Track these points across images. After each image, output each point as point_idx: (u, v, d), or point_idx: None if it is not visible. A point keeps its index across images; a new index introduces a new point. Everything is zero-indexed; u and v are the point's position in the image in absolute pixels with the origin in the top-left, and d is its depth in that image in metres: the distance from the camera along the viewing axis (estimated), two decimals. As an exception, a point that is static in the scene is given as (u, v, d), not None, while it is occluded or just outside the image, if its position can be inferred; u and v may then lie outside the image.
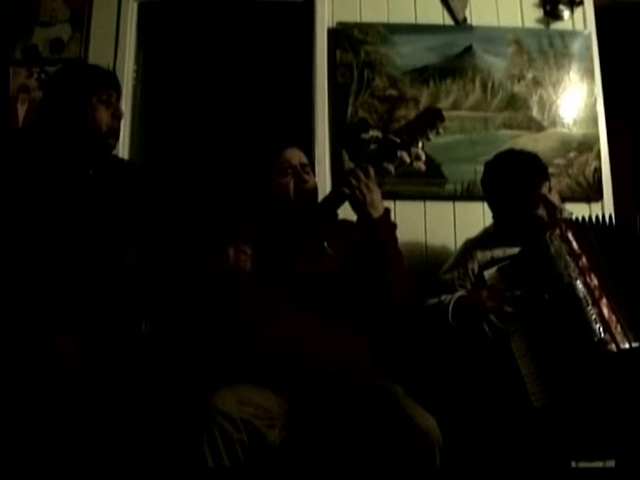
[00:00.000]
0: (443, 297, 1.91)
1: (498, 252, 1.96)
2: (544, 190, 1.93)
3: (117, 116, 1.88)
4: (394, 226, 1.77)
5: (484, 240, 2.08)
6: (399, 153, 1.65)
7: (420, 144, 1.67)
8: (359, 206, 1.67)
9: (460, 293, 1.91)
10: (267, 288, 1.67)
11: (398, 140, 1.66)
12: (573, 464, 1.94)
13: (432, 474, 1.46)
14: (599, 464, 2.05)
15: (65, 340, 1.66)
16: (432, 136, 1.68)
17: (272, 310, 1.66)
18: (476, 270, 1.97)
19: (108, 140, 1.87)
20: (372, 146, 1.69)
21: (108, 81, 1.90)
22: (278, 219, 1.81)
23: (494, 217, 2.13)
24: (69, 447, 1.65)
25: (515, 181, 1.95)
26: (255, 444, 1.49)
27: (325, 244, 1.80)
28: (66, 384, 1.65)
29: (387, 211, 1.71)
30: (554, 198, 1.96)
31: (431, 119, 1.70)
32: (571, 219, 1.98)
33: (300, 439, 1.59)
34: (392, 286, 1.72)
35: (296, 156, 1.93)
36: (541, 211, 1.93)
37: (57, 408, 1.64)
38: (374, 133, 1.73)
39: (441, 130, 1.69)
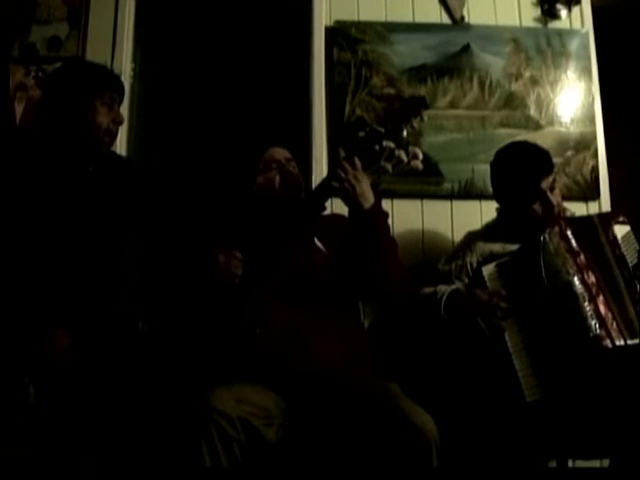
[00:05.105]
0: (439, 287, 1.92)
1: (498, 247, 1.97)
2: (544, 185, 1.94)
3: (117, 122, 1.87)
4: (386, 215, 1.77)
5: (485, 234, 2.09)
6: (385, 143, 1.65)
7: (405, 132, 1.67)
8: (349, 198, 1.67)
9: (455, 286, 1.92)
10: (260, 286, 1.67)
11: (382, 130, 1.66)
12: (570, 463, 1.96)
13: (429, 472, 1.46)
14: (596, 463, 2.07)
15: (62, 340, 1.66)
16: (416, 124, 1.68)
17: (267, 308, 1.66)
18: (474, 264, 1.98)
19: (103, 142, 1.86)
20: (360, 134, 1.69)
21: (112, 84, 1.88)
22: (267, 216, 1.82)
23: (499, 209, 2.14)
24: (66, 447, 1.65)
25: (516, 172, 1.97)
26: (252, 442, 1.49)
27: (315, 239, 1.81)
28: (63, 384, 1.65)
29: (378, 200, 1.71)
30: (554, 197, 1.96)
31: (414, 107, 1.70)
32: (571, 217, 1.99)
33: (297, 437, 1.59)
34: (388, 275, 1.72)
35: (280, 152, 1.96)
36: (537, 206, 1.94)
37: (53, 408, 1.64)
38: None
39: (425, 117, 1.70)
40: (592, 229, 1.85)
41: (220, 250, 1.70)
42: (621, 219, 1.87)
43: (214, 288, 1.67)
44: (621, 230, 1.84)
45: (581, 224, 1.89)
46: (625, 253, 1.79)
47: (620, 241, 1.82)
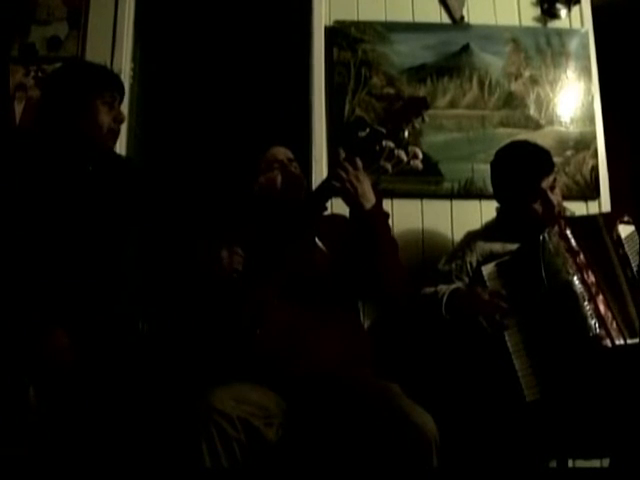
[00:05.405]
0: (439, 287, 1.92)
1: (497, 247, 1.97)
2: (544, 185, 1.93)
3: (119, 120, 1.88)
4: (387, 215, 1.78)
5: (485, 234, 2.09)
6: (385, 143, 1.65)
7: (406, 133, 1.66)
8: (350, 199, 1.67)
9: (456, 285, 1.92)
10: (261, 286, 1.67)
11: (384, 130, 1.66)
12: (570, 463, 1.96)
13: (429, 472, 1.46)
14: (596, 463, 2.07)
15: (62, 340, 1.66)
16: (417, 124, 1.68)
17: (267, 308, 1.66)
18: (474, 263, 1.98)
19: (107, 141, 1.87)
20: (360, 134, 1.69)
21: (112, 83, 1.89)
22: (268, 216, 1.82)
23: (499, 209, 2.14)
24: (66, 447, 1.65)
25: (516, 171, 1.96)
26: (253, 442, 1.49)
27: (317, 239, 1.81)
28: (63, 384, 1.65)
29: (379, 200, 1.71)
30: (554, 196, 1.96)
31: (416, 107, 1.70)
32: (571, 216, 1.99)
33: (297, 437, 1.59)
34: (388, 276, 1.73)
35: (282, 152, 1.97)
36: (537, 205, 1.94)
37: (53, 408, 1.64)
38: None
39: (426, 118, 1.69)
40: (595, 228, 1.85)
41: (222, 245, 1.70)
42: (626, 219, 1.87)
43: (214, 281, 1.67)
44: (625, 230, 1.84)
45: (581, 223, 1.89)
46: (629, 253, 1.79)
47: (624, 241, 1.81)
